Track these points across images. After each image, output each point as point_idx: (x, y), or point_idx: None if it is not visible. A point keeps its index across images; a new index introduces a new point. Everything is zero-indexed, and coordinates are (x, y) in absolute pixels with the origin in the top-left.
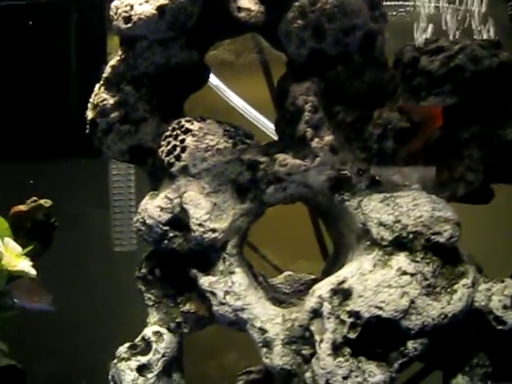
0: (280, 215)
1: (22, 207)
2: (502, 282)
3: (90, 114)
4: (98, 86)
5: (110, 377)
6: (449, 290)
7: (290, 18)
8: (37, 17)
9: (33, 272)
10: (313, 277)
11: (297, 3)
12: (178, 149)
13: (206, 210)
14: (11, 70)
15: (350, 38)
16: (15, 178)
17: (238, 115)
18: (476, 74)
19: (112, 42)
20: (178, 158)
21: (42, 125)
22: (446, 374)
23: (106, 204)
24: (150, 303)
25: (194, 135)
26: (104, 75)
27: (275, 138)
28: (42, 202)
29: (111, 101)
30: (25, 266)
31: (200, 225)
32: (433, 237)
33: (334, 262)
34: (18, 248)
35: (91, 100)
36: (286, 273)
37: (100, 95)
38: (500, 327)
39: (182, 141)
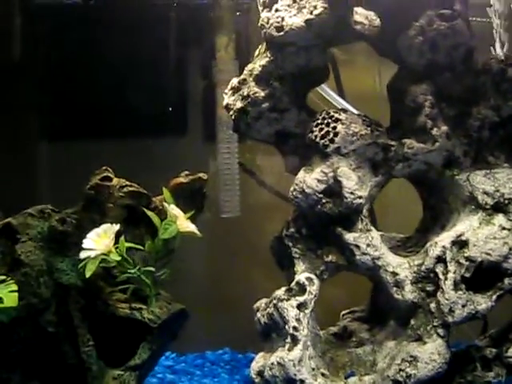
0: None
1: (181, 179)
2: None
3: (238, 104)
4: (237, 80)
5: (265, 315)
6: None
7: (412, 35)
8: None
9: (198, 233)
10: (402, 235)
11: (417, 23)
12: (331, 134)
13: (355, 182)
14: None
15: (457, 51)
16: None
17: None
18: None
19: (220, 40)
20: (331, 141)
21: (163, 111)
22: None
23: (215, 178)
24: (297, 256)
25: (343, 124)
26: (255, 72)
27: None
28: (200, 174)
29: (262, 93)
30: (193, 227)
31: (351, 193)
32: None
33: (429, 222)
34: (181, 213)
35: (241, 92)
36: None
37: (251, 89)
38: None
39: (334, 128)
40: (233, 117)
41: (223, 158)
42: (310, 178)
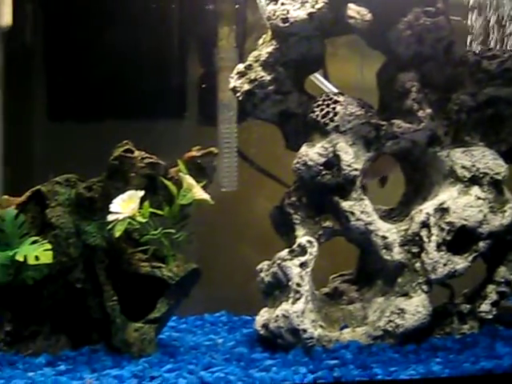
0: None
1: (194, 153)
2: None
3: (246, 86)
4: (243, 66)
5: (269, 274)
6: (501, 210)
7: (401, 29)
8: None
9: (211, 201)
10: (386, 207)
11: (405, 19)
12: (331, 114)
13: (352, 156)
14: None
15: (439, 44)
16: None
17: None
18: None
19: (221, 30)
20: (331, 120)
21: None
22: (491, 266)
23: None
24: (298, 222)
25: (341, 105)
26: (261, 59)
27: None
28: (211, 149)
29: (268, 77)
30: (207, 196)
31: (349, 165)
32: (494, 176)
33: (412, 195)
34: (195, 183)
35: (248, 76)
36: None
37: (258, 73)
38: None
39: (334, 108)
40: (240, 98)
41: (224, 137)
42: (312, 152)
